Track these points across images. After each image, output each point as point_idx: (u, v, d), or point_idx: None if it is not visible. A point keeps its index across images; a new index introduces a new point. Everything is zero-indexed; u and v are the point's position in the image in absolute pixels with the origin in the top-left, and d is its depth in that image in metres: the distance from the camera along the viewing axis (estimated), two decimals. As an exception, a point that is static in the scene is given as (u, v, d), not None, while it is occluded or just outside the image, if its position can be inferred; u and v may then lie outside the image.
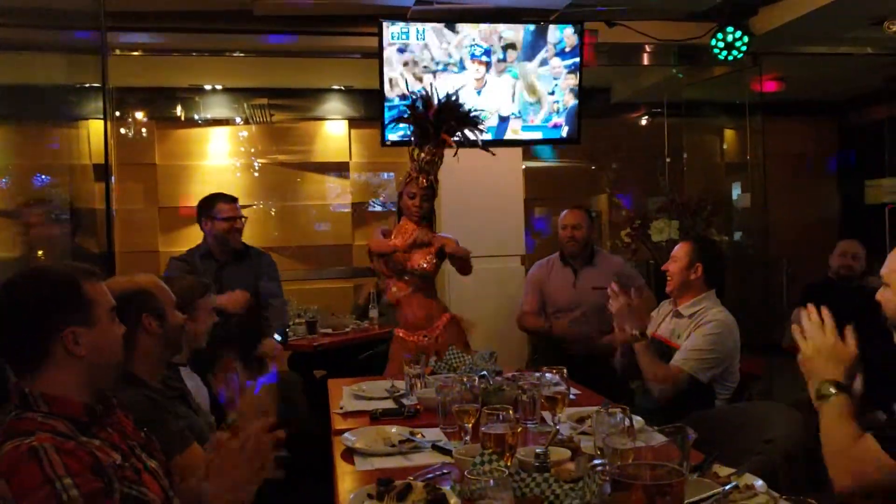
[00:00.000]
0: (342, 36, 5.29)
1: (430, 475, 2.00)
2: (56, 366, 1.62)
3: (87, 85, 6.37)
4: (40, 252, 3.75)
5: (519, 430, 1.90)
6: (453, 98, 3.81)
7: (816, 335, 1.82)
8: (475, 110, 3.89)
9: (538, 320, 4.46)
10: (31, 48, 3.79)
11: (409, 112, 3.81)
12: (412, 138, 3.82)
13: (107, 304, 1.71)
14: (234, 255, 4.21)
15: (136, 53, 5.42)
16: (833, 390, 1.75)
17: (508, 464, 1.78)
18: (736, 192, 7.59)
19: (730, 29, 5.21)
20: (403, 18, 4.86)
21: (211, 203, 4.17)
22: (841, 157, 8.43)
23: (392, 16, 4.86)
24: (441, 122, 3.74)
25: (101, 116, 6.45)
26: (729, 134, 7.83)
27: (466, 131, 3.81)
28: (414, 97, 3.81)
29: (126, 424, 1.76)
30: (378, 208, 7.31)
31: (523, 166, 5.41)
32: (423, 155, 3.76)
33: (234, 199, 4.23)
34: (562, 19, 5.09)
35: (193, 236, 4.49)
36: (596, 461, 1.61)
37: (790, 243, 7.38)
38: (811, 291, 4.53)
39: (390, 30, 4.74)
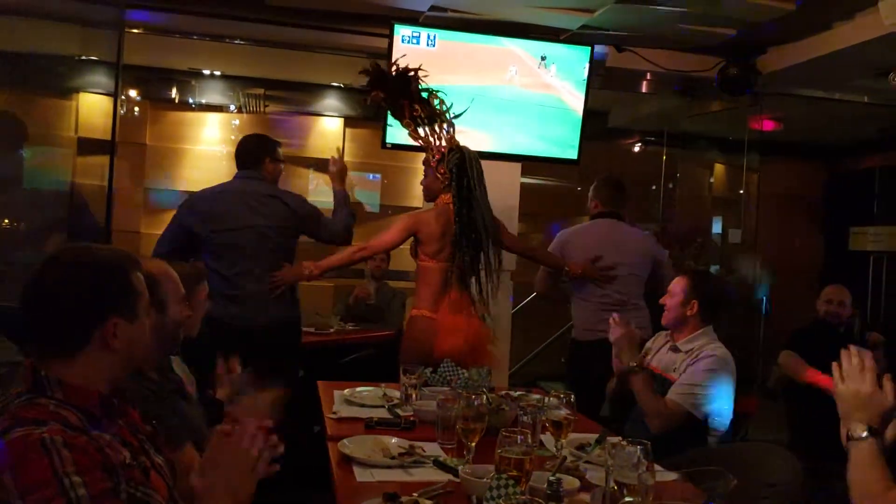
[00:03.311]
0: (350, 34, 5.23)
1: (433, 492, 1.97)
2: (88, 356, 1.54)
3: (83, 57, 6.26)
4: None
5: (534, 454, 1.86)
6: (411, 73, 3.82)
7: (856, 379, 1.82)
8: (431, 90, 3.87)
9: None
10: (39, 16, 3.69)
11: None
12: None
13: (146, 297, 1.64)
14: None
15: (135, 31, 5.31)
16: (865, 433, 1.76)
17: (524, 489, 1.75)
18: (717, 227, 7.66)
19: (737, 65, 5.25)
20: (415, 23, 4.83)
21: (274, 146, 4.23)
22: (829, 201, 8.52)
23: (404, 19, 4.82)
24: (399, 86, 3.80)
25: (96, 90, 6.34)
26: (724, 169, 7.88)
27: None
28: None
29: (135, 417, 1.69)
30: (369, 209, 7.25)
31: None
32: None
33: None
34: (572, 39, 5.08)
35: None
36: (627, 499, 1.57)
37: (769, 283, 7.44)
38: (799, 336, 4.53)
39: (401, 33, 4.70)
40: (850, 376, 1.85)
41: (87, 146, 6.18)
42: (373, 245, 3.98)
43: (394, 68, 3.85)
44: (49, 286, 1.54)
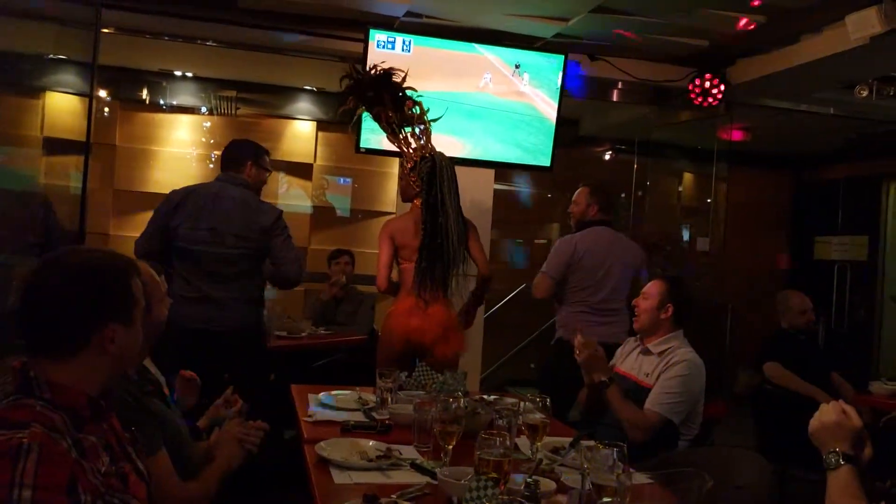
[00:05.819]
0: (325, 38, 5.23)
1: (412, 494, 1.98)
2: (82, 359, 1.53)
3: (52, 55, 6.18)
4: None
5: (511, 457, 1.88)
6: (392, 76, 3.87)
7: (822, 411, 1.85)
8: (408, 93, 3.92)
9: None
10: (12, 14, 3.64)
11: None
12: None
13: (143, 303, 1.63)
14: None
15: (107, 31, 5.26)
16: (841, 461, 1.77)
17: (502, 490, 1.76)
18: (685, 235, 7.75)
19: (707, 76, 5.34)
20: (390, 28, 4.84)
21: (260, 152, 4.10)
22: (795, 211, 8.67)
23: (379, 24, 4.83)
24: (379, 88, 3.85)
25: (64, 90, 6.26)
26: (693, 178, 7.99)
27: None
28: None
29: (115, 422, 1.67)
30: (339, 213, 7.26)
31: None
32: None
33: None
34: (546, 48, 5.13)
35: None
36: (605, 500, 1.60)
37: (735, 290, 7.54)
38: (770, 348, 4.57)
39: (377, 38, 4.71)
40: (818, 410, 1.86)
41: (54, 146, 6.11)
42: (378, 281, 4.03)
43: (372, 71, 3.88)
44: (51, 289, 1.52)
